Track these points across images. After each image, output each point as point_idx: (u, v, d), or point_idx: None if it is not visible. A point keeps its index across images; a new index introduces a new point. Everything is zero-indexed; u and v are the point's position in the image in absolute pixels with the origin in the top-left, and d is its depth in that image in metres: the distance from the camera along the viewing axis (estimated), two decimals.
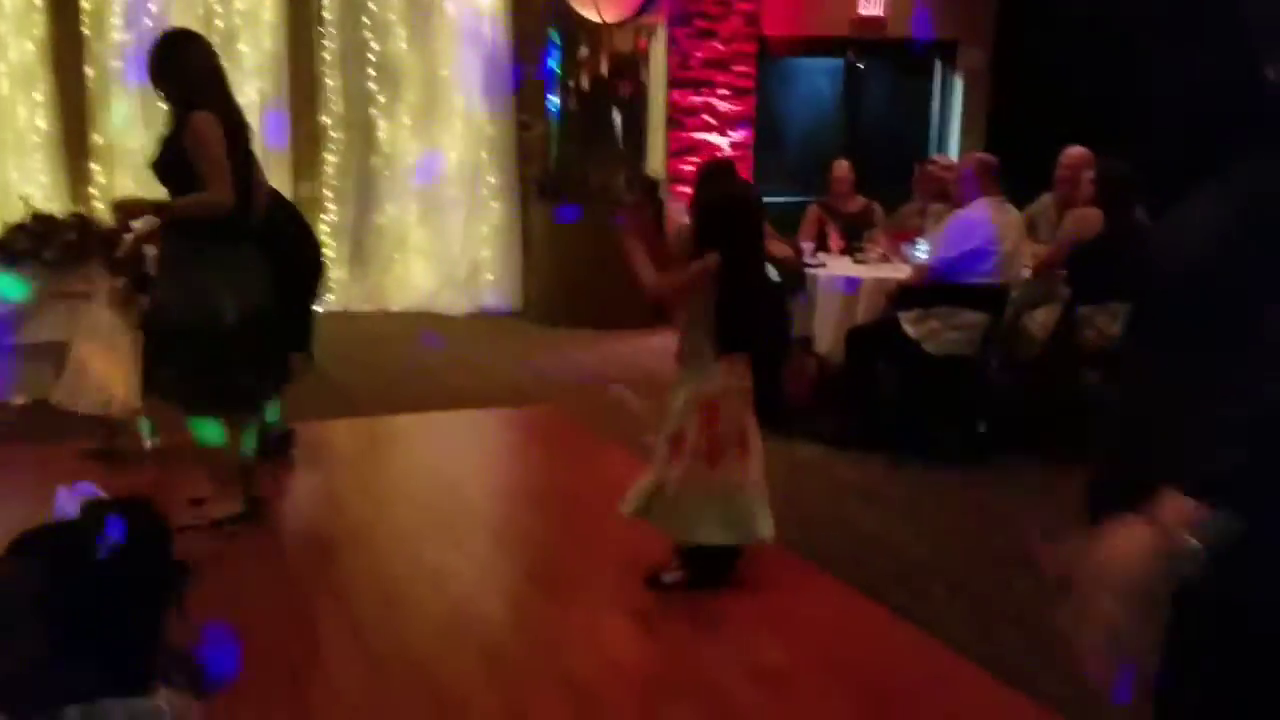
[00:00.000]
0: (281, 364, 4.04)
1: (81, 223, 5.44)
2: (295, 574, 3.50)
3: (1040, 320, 5.03)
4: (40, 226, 5.35)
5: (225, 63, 7.83)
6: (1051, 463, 4.80)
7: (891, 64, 9.49)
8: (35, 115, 7.44)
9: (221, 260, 3.64)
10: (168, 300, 3.71)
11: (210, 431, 3.79)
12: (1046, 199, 5.78)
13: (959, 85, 9.54)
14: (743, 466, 3.31)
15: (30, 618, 1.23)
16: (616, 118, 8.29)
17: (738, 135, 8.54)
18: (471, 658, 2.98)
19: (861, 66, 9.25)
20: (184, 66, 3.62)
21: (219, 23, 8.09)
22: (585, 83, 8.55)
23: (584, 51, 8.54)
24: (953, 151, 9.41)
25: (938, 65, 9.60)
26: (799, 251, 5.73)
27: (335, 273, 8.63)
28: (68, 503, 1.34)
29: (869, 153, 8.06)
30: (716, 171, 4.17)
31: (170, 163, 3.60)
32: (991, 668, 2.94)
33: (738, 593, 3.43)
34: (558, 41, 8.46)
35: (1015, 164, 5.13)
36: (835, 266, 5.59)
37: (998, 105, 9.49)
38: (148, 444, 4.57)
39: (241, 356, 3.66)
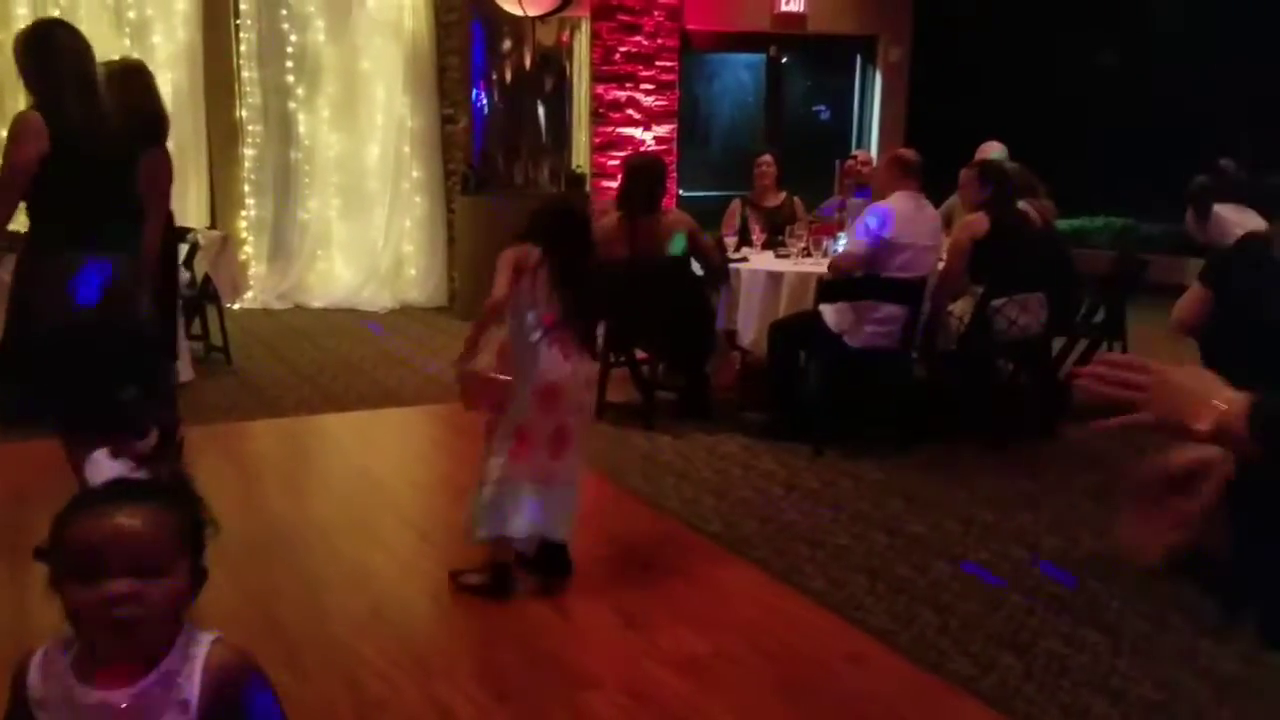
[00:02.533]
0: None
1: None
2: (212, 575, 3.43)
3: (957, 314, 5.15)
4: None
5: (138, 54, 7.73)
6: (969, 450, 4.95)
7: (812, 59, 9.62)
8: None
9: (42, 273, 3.41)
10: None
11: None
12: (955, 199, 5.94)
13: (879, 81, 9.70)
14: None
15: None
16: (540, 112, 8.27)
17: (662, 130, 8.58)
18: (392, 652, 2.95)
19: (784, 60, 9.36)
20: (36, 62, 3.40)
21: (131, 14, 7.90)
22: (509, 77, 8.51)
23: (507, 45, 8.51)
24: (873, 147, 9.57)
25: (858, 61, 9.75)
26: (722, 246, 5.79)
27: (254, 269, 8.50)
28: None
29: (791, 147, 8.17)
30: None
31: None
32: (907, 652, 3.01)
33: (659, 582, 3.46)
34: (481, 35, 8.40)
35: (933, 159, 5.24)
36: (758, 260, 5.64)
37: (917, 101, 9.68)
38: None
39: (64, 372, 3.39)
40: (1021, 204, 5.37)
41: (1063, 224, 6.61)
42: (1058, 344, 5.49)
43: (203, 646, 1.31)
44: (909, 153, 5.11)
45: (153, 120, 4.22)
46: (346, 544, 3.78)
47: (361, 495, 4.38)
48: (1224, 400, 1.31)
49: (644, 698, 2.74)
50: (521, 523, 3.22)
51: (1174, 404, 1.34)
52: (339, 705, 2.70)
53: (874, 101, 9.78)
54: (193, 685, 1.28)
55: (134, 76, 4.27)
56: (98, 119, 3.47)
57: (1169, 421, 1.35)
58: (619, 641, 3.09)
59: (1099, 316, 5.74)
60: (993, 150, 6.30)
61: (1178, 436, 1.38)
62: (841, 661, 3.00)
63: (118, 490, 1.29)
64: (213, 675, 1.30)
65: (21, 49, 3.44)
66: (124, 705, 1.25)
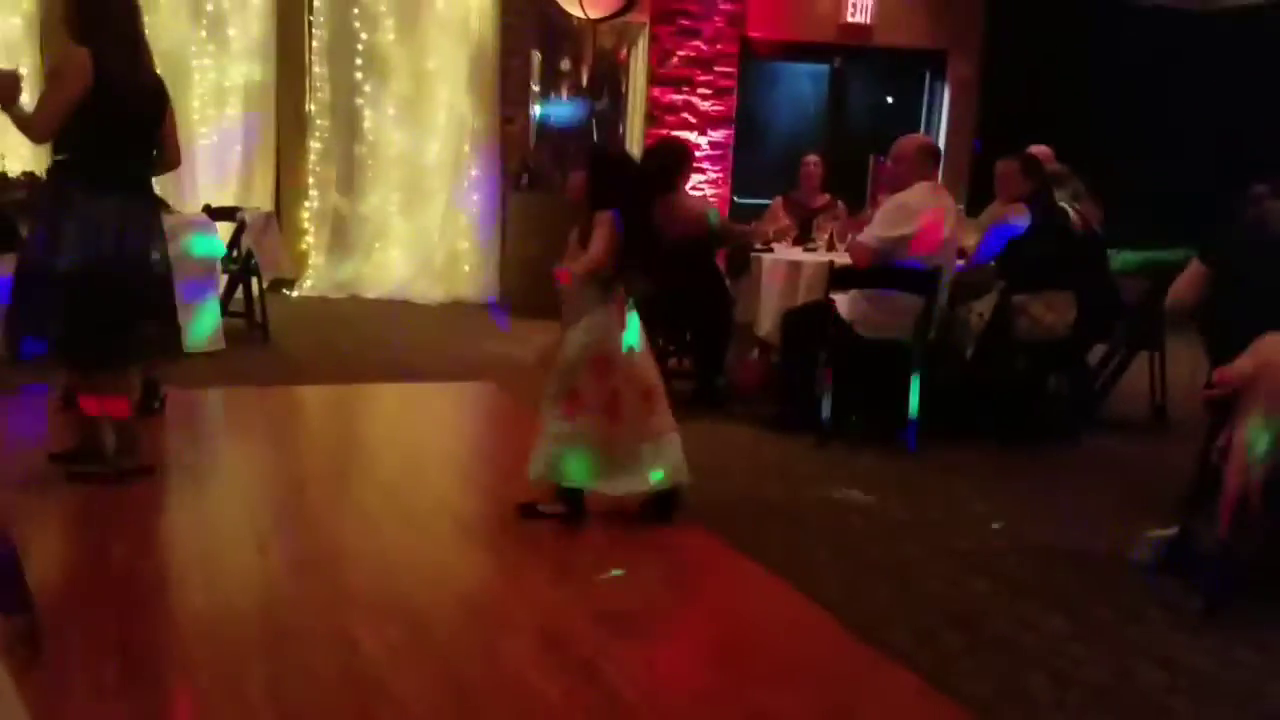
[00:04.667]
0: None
1: (33, 180, 5.50)
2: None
3: (978, 311, 4.96)
4: None
5: (213, 46, 8.03)
6: (977, 445, 4.74)
7: (878, 72, 9.48)
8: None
9: (84, 210, 3.54)
10: (38, 248, 3.60)
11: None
12: (994, 206, 5.73)
13: (947, 95, 9.50)
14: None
15: None
16: (595, 114, 8.32)
17: (717, 135, 8.54)
18: (319, 588, 2.94)
19: (848, 72, 9.24)
20: (87, 12, 3.53)
21: (209, 6, 8.21)
22: (567, 79, 8.59)
23: (567, 47, 8.59)
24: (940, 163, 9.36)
25: (926, 76, 9.57)
26: (749, 235, 5.69)
27: (314, 258, 8.71)
28: None
29: (850, 158, 8.02)
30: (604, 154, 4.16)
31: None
32: (851, 624, 2.86)
33: (602, 542, 3.39)
34: (542, 38, 8.52)
35: None
36: (782, 252, 5.54)
37: (986, 116, 9.44)
38: None
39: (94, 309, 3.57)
40: (1064, 204, 5.17)
41: (1133, 256, 6.31)
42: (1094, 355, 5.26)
43: None
44: (931, 142, 4.99)
45: None
46: (308, 491, 3.80)
47: (336, 451, 4.41)
48: None
49: (559, 644, 2.66)
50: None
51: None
52: (256, 635, 2.69)
53: (942, 117, 9.57)
54: None
55: None
56: (138, 69, 3.66)
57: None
58: (546, 592, 3.02)
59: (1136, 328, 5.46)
60: (1038, 151, 6.07)
61: None
62: (778, 626, 2.88)
63: None
64: None
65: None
66: None
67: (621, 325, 3.48)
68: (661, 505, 3.55)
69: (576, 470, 3.43)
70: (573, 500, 3.51)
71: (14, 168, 6.10)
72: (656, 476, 3.47)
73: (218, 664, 2.46)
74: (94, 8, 3.55)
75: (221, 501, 3.73)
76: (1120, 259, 5.83)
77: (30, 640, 1.46)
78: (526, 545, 3.37)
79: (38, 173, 5.55)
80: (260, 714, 2.25)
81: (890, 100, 9.65)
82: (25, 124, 3.46)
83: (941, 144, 9.57)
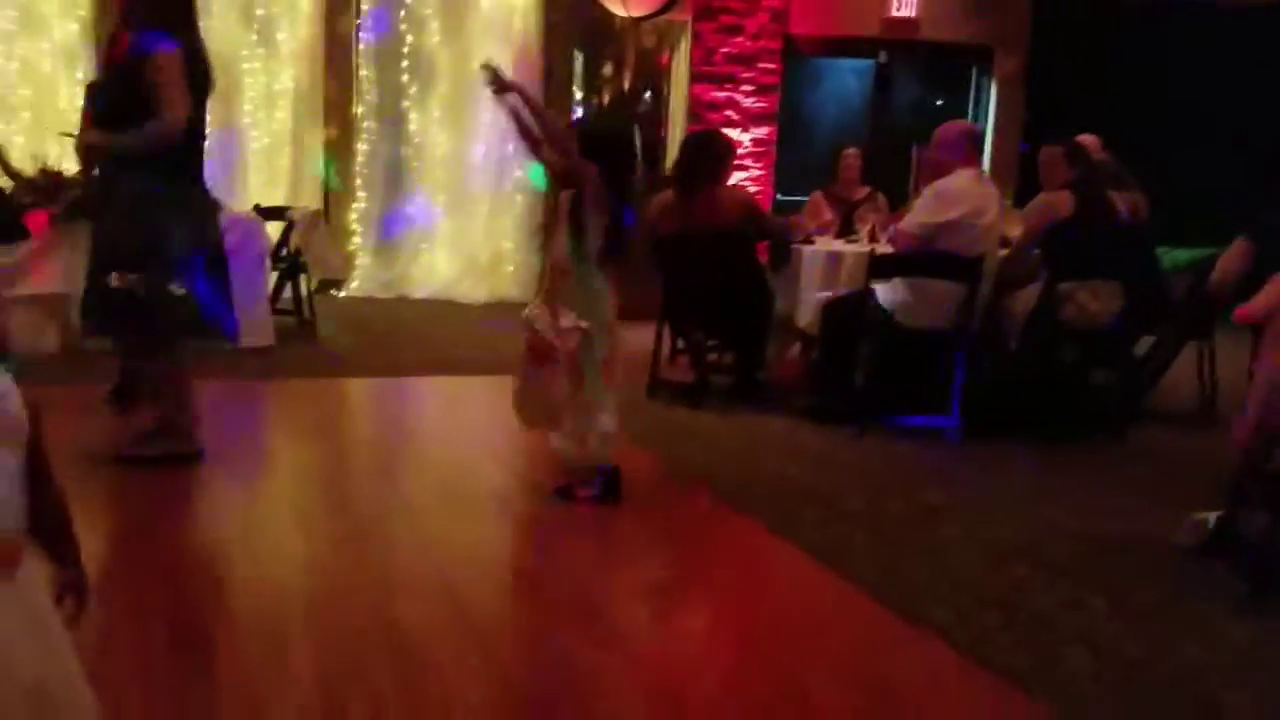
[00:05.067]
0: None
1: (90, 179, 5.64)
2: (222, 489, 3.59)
3: (1023, 299, 4.92)
4: (48, 182, 5.57)
5: (263, 50, 8.20)
6: (1020, 436, 4.68)
7: (924, 67, 9.41)
8: (75, 93, 7.76)
9: (175, 199, 3.67)
10: (123, 237, 3.68)
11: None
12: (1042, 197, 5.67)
13: (993, 91, 9.40)
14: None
15: None
16: (637, 112, 8.36)
17: (760, 132, 8.53)
18: (361, 563, 2.99)
19: (894, 67, 9.19)
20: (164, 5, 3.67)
21: (259, 10, 8.38)
22: (609, 79, 8.64)
23: (609, 49, 8.64)
24: (986, 158, 9.28)
25: (973, 71, 9.48)
26: (789, 227, 5.68)
27: (360, 260, 8.84)
28: None
29: (894, 153, 7.97)
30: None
31: (119, 100, 3.63)
32: (887, 603, 2.85)
33: (639, 523, 3.41)
34: (583, 37, 8.58)
35: None
36: (822, 244, 5.53)
37: (1033, 111, 9.33)
38: None
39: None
40: (1110, 193, 5.10)
41: (1184, 254, 6.19)
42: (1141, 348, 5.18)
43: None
44: (974, 127, 4.95)
45: None
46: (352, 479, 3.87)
47: (376, 436, 4.47)
48: None
49: (601, 620, 2.69)
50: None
51: None
52: (311, 612, 2.75)
53: (989, 112, 9.48)
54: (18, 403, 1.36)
55: None
56: (205, 56, 3.78)
57: None
58: (582, 569, 3.05)
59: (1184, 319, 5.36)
60: (1086, 141, 6.00)
61: None
62: (817, 605, 2.88)
63: None
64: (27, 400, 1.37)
65: None
66: None
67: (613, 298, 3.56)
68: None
69: None
70: (611, 480, 3.53)
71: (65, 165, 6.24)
72: None
73: (260, 631, 2.52)
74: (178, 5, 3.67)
75: (267, 484, 3.81)
76: (1170, 257, 5.73)
77: (78, 592, 1.52)
78: (566, 526, 3.41)
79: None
80: (302, 679, 2.30)
81: (935, 95, 9.56)
82: (155, 137, 3.54)
83: (988, 139, 9.50)
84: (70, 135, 5.66)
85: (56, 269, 5.39)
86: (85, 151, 3.89)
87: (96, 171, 4.06)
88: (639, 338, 5.65)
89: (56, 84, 7.77)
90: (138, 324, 3.70)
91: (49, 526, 1.46)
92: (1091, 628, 2.72)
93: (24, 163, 6.29)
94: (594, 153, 3.46)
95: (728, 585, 3.10)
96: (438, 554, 3.11)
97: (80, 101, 7.66)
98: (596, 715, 2.25)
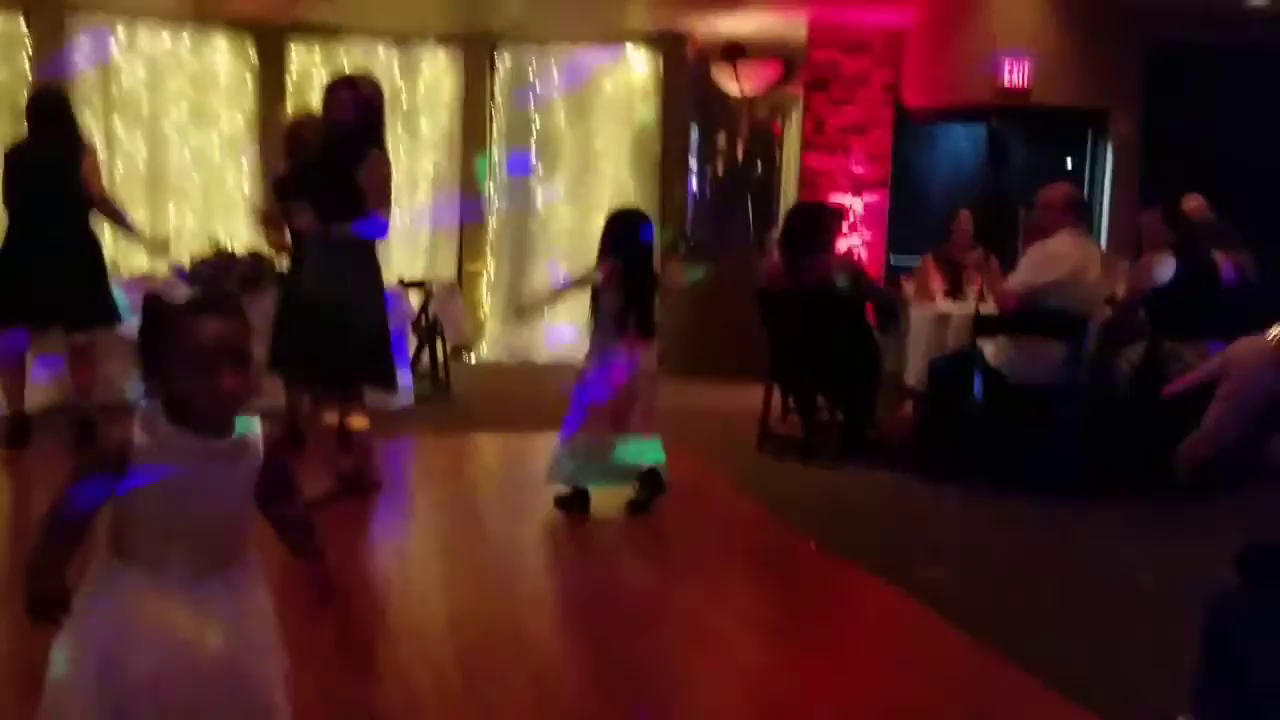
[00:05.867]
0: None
1: (257, 258, 6.27)
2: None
3: (1128, 357, 5.01)
4: (222, 259, 6.23)
5: (407, 137, 8.90)
6: (1130, 492, 4.73)
7: (1036, 130, 9.51)
8: (242, 181, 8.57)
9: (373, 267, 4.29)
10: (340, 297, 4.19)
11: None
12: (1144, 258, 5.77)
13: (1109, 154, 9.44)
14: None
15: None
16: (750, 183, 8.72)
17: (872, 197, 8.78)
18: (492, 585, 3.33)
19: (1006, 132, 9.34)
20: (376, 109, 4.30)
21: (404, 103, 9.12)
22: (724, 151, 9.06)
23: (724, 123, 9.07)
24: (1103, 221, 9.32)
25: (1088, 134, 9.54)
26: (896, 298, 5.90)
27: (489, 326, 9.39)
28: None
29: (1007, 216, 8.11)
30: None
31: (337, 189, 4.16)
32: (989, 641, 3.01)
33: (751, 568, 3.65)
34: (700, 115, 9.03)
35: None
36: (929, 305, 5.73)
37: (1149, 173, 9.31)
38: None
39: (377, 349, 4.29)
40: (1215, 254, 5.19)
41: None
42: None
43: (258, 424, 1.74)
44: (1076, 190, 5.11)
45: None
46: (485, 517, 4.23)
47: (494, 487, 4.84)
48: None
49: (692, 634, 2.95)
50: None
51: (1242, 354, 1.54)
52: (442, 632, 3.09)
53: (1105, 175, 9.50)
54: (258, 449, 1.73)
55: None
56: None
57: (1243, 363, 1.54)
58: (676, 590, 3.32)
59: None
60: (1192, 202, 6.07)
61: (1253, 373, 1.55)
62: (914, 639, 3.07)
63: (214, 302, 1.71)
64: (267, 444, 1.75)
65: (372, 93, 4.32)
66: (223, 447, 1.69)
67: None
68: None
69: None
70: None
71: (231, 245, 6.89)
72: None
73: (412, 642, 2.87)
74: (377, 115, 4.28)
75: (413, 521, 4.21)
76: None
77: (323, 585, 1.86)
78: (680, 564, 3.69)
79: (261, 252, 6.31)
80: (450, 677, 2.63)
81: (1049, 158, 9.65)
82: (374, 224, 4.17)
83: (1105, 201, 9.52)
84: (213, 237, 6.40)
85: None
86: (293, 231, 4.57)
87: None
88: (748, 395, 5.97)
89: (224, 171, 8.59)
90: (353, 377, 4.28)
91: (296, 532, 1.83)
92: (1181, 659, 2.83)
93: (197, 243, 7.05)
94: (613, 244, 4.18)
95: (831, 622, 3.31)
96: (562, 584, 3.44)
97: (246, 187, 8.53)
98: None
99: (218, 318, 1.66)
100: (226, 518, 1.72)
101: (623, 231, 4.26)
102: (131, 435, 1.65)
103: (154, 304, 1.72)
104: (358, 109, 4.19)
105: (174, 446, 1.65)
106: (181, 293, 1.73)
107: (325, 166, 4.26)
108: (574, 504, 4.20)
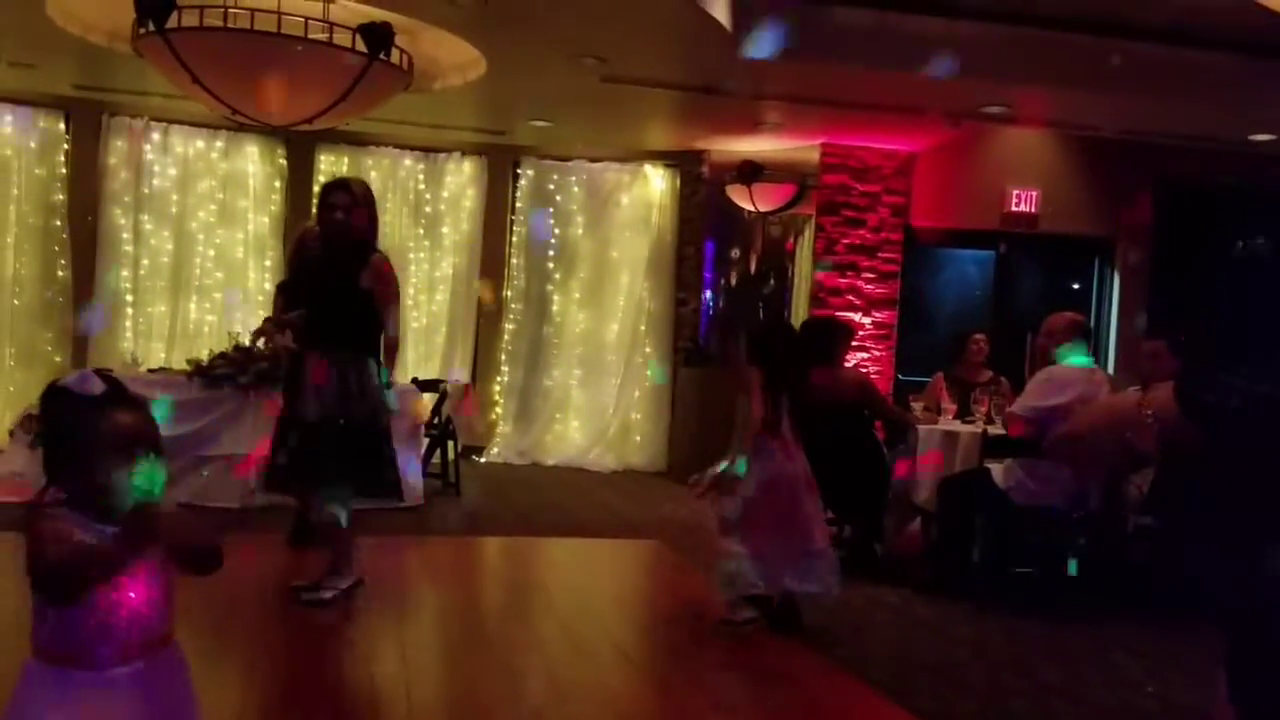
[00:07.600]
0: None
1: (274, 355, 6.38)
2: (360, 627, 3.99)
3: (1136, 483, 5.03)
4: (240, 355, 6.33)
5: (429, 242, 9.14)
6: (1138, 615, 4.70)
7: (1044, 257, 9.70)
8: (264, 278, 8.75)
9: (377, 374, 4.32)
10: (348, 405, 4.24)
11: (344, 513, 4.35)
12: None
13: (1117, 282, 9.60)
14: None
15: None
16: (762, 295, 8.88)
17: (881, 315, 8.91)
18: (499, 691, 3.31)
19: (1010, 255, 9.53)
20: (370, 208, 4.40)
21: (427, 208, 9.37)
22: (737, 264, 9.25)
23: (738, 238, 9.28)
24: (1110, 347, 9.44)
25: (1095, 262, 9.72)
26: (906, 418, 5.95)
27: (501, 427, 9.44)
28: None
29: (1014, 341, 8.22)
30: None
31: (340, 290, 4.26)
32: None
33: (754, 683, 3.63)
34: (715, 229, 9.25)
35: None
36: (940, 423, 5.77)
37: (1156, 301, 9.46)
38: None
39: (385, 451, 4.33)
40: None
41: None
42: None
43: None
44: (1080, 317, 5.21)
45: None
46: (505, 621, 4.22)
47: (516, 593, 4.83)
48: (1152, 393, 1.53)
49: None
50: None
51: (1108, 416, 1.59)
52: None
53: (1112, 303, 9.65)
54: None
55: None
56: None
57: (1115, 422, 1.57)
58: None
59: None
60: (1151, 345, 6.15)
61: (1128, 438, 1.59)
62: None
63: (122, 395, 1.75)
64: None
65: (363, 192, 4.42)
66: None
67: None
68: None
69: None
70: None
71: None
72: None
73: None
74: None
75: (419, 626, 4.19)
76: None
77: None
78: (686, 675, 3.65)
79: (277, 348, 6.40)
80: None
81: (1056, 284, 9.82)
82: (395, 343, 4.34)
83: (1113, 329, 9.65)
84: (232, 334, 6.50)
85: (243, 433, 6.08)
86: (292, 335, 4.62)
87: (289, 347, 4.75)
88: None
89: (247, 270, 8.79)
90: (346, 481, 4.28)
91: (188, 556, 1.78)
92: None
93: (217, 339, 7.18)
94: (759, 355, 4.26)
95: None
96: (565, 691, 3.41)
97: (267, 286, 8.69)
98: None
99: (128, 410, 1.72)
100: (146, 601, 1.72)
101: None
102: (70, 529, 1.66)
103: (61, 397, 1.74)
104: (353, 210, 4.28)
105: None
106: (88, 385, 1.77)
107: (327, 271, 4.35)
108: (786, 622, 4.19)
